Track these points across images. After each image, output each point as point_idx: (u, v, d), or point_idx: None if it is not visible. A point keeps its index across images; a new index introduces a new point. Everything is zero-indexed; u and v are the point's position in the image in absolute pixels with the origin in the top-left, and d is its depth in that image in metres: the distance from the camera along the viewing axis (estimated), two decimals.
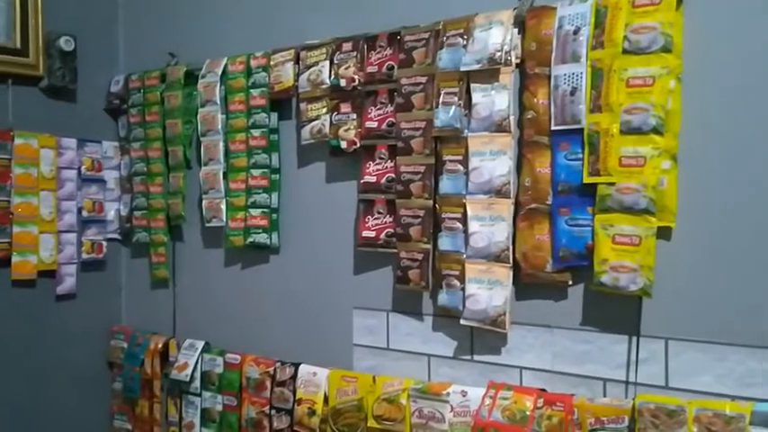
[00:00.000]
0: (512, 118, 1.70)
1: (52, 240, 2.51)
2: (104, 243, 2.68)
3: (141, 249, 2.66)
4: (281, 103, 2.21)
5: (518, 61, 1.71)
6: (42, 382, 2.51)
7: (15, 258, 2.41)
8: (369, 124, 1.94)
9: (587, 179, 1.57)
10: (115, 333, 2.69)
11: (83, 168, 2.60)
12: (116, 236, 2.73)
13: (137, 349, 2.56)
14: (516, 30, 1.70)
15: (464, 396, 1.75)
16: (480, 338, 1.79)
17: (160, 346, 2.50)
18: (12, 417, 2.42)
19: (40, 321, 2.51)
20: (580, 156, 1.59)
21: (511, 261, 1.69)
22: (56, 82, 2.49)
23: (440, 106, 1.78)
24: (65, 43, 2.46)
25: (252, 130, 2.24)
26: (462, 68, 1.74)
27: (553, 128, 1.62)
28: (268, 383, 2.16)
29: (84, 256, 2.62)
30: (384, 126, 1.91)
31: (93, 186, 2.64)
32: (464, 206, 1.75)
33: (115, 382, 2.69)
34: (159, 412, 2.52)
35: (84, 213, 2.61)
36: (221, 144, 2.32)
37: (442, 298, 1.81)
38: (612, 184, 1.53)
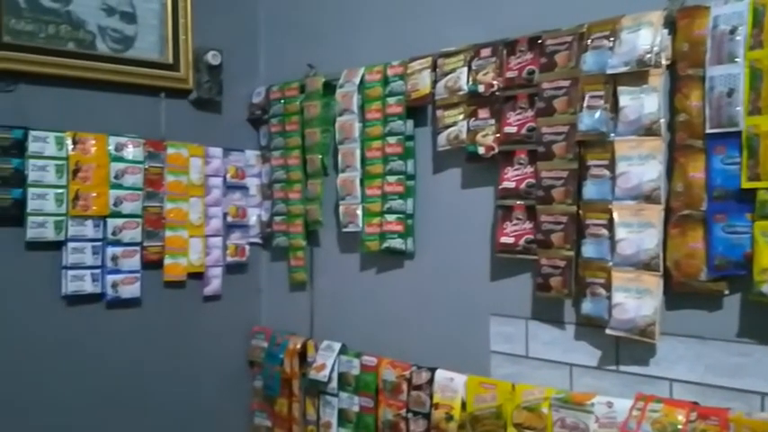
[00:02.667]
0: (662, 121, 1.63)
1: (200, 244, 2.66)
2: (247, 247, 2.82)
3: (280, 253, 2.77)
4: (417, 110, 2.24)
5: (668, 63, 1.64)
6: (188, 377, 2.66)
7: (167, 261, 2.58)
8: (508, 129, 1.92)
9: (746, 184, 1.49)
10: (256, 333, 2.82)
11: (227, 176, 2.75)
12: (257, 240, 2.86)
13: (276, 349, 2.67)
14: (666, 30, 1.64)
15: (610, 407, 1.70)
16: (626, 348, 1.73)
17: (298, 346, 2.59)
18: (158, 409, 2.58)
19: (188, 320, 2.67)
20: (737, 160, 1.51)
21: (661, 269, 1.63)
22: (203, 94, 2.64)
23: (584, 110, 1.74)
24: (212, 58, 2.61)
25: (388, 138, 2.28)
26: (609, 71, 1.70)
27: (708, 131, 1.55)
28: (404, 387, 2.19)
29: (229, 259, 2.76)
30: (524, 131, 1.89)
31: (236, 193, 2.78)
32: (610, 212, 1.71)
33: (255, 381, 2.82)
34: (298, 411, 2.60)
35: (229, 219, 2.75)
36: (358, 151, 2.38)
37: (586, 306, 1.77)
38: None
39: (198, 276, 2.68)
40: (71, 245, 2.35)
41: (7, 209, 2.24)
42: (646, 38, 1.63)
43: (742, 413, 1.51)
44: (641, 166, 1.65)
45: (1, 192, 2.23)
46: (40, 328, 2.31)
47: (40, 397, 2.30)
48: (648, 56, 1.62)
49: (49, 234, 2.31)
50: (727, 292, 1.56)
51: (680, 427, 1.55)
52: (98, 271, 2.41)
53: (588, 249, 1.75)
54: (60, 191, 2.33)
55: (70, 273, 2.35)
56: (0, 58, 2.21)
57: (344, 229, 2.44)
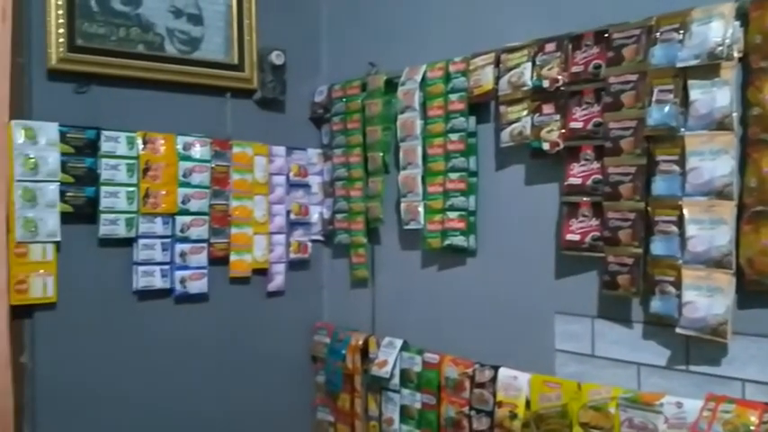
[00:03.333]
0: (734, 115, 1.59)
1: (264, 241, 2.71)
2: (309, 244, 2.86)
3: (342, 250, 2.80)
4: (480, 106, 2.23)
5: (740, 55, 1.60)
6: (253, 371, 2.72)
7: (233, 257, 2.63)
8: (573, 125, 1.90)
9: None
10: (318, 329, 2.85)
11: (290, 174, 2.79)
12: (319, 237, 2.90)
13: (339, 345, 2.70)
14: (738, 23, 1.59)
15: (679, 407, 1.66)
16: (697, 348, 1.69)
17: (360, 342, 2.62)
18: (223, 401, 2.64)
19: (253, 316, 2.72)
20: None
21: (734, 267, 1.58)
22: (267, 94, 2.69)
23: (653, 104, 1.70)
24: (276, 57, 2.66)
25: (450, 135, 2.27)
26: (679, 65, 1.66)
27: None
28: (467, 384, 2.19)
29: (292, 255, 2.81)
30: (590, 126, 1.86)
31: (299, 191, 2.83)
32: (680, 208, 1.67)
33: (318, 376, 2.85)
34: (360, 406, 2.62)
35: (292, 216, 2.80)
36: (419, 149, 2.39)
37: (655, 305, 1.73)
38: None
39: (262, 272, 2.73)
40: (142, 241, 2.42)
41: (81, 206, 2.32)
42: (717, 30, 1.59)
43: None
44: (713, 161, 1.61)
45: (75, 190, 2.31)
46: (113, 321, 2.39)
47: (113, 388, 2.38)
48: (720, 48, 1.58)
49: (121, 231, 2.38)
50: None
51: (752, 428, 1.51)
52: (167, 267, 2.48)
53: (657, 247, 1.72)
54: (131, 189, 2.40)
55: (141, 268, 2.43)
56: (74, 60, 2.30)
57: (406, 227, 2.45)
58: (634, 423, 1.73)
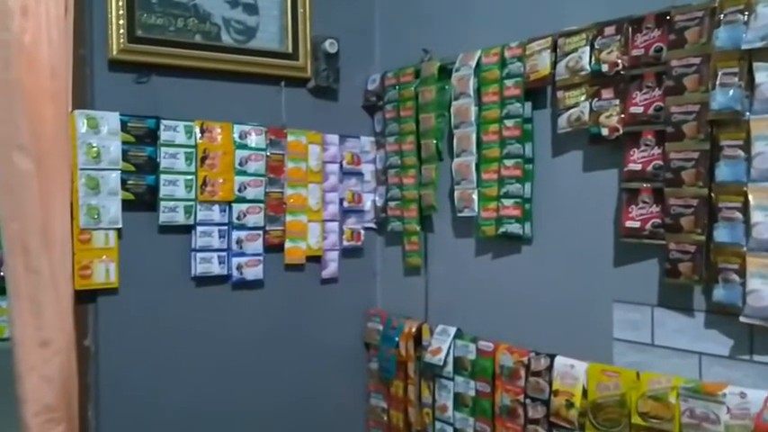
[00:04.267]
0: None
1: (318, 228, 2.74)
2: (362, 231, 2.88)
3: (395, 238, 2.81)
4: (536, 92, 2.20)
5: None
6: (307, 357, 2.75)
7: (288, 245, 2.67)
8: (633, 110, 1.86)
9: None
10: (371, 316, 2.87)
11: (344, 162, 2.81)
12: (372, 225, 2.92)
13: (392, 332, 2.71)
14: None
15: (743, 398, 1.62)
16: (762, 337, 1.65)
17: (414, 330, 2.62)
18: (278, 387, 2.68)
19: (307, 302, 2.76)
20: None
21: None
22: (321, 82, 2.71)
23: (717, 88, 1.66)
24: (329, 46, 2.67)
25: (505, 121, 2.25)
26: (744, 47, 1.61)
27: None
28: (522, 372, 2.17)
29: (345, 243, 2.83)
30: (651, 111, 1.82)
31: (352, 179, 2.84)
32: (745, 195, 1.62)
33: (371, 363, 2.87)
34: (413, 393, 2.63)
35: (345, 204, 2.82)
36: (474, 135, 2.37)
37: (718, 293, 1.69)
38: None
39: (316, 260, 2.76)
40: (200, 228, 2.47)
41: (142, 194, 2.38)
42: None
43: None
44: None
45: (136, 178, 2.37)
46: (172, 306, 2.45)
47: (172, 371, 2.44)
48: None
49: (180, 218, 2.43)
50: None
51: None
52: (224, 254, 2.52)
53: (721, 234, 1.68)
54: (190, 177, 2.45)
55: (199, 255, 2.48)
56: (134, 51, 2.35)
57: (460, 214, 2.44)
58: (695, 413, 1.70)
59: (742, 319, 1.64)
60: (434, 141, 2.54)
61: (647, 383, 1.82)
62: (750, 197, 1.62)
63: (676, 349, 1.84)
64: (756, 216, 1.60)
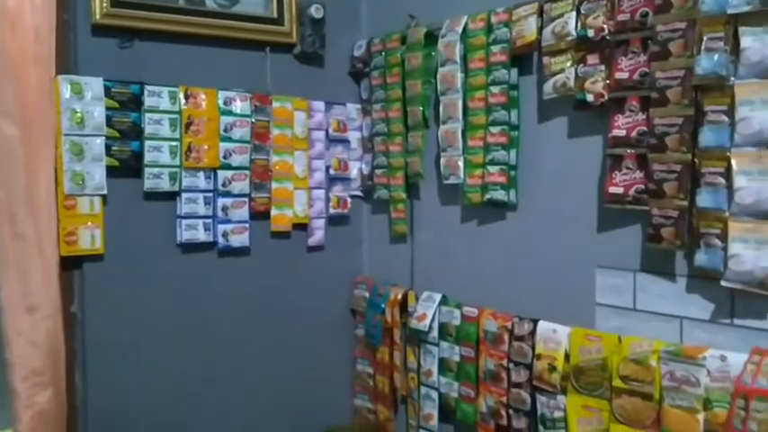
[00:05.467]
0: None
1: (305, 196, 2.74)
2: (348, 199, 2.88)
3: (381, 205, 2.81)
4: (522, 58, 2.19)
5: None
6: (294, 324, 2.77)
7: (274, 212, 2.67)
8: (619, 75, 1.86)
9: None
10: (358, 283, 2.88)
11: (330, 129, 2.80)
12: (358, 193, 2.92)
13: (378, 299, 2.72)
14: None
15: (723, 361, 1.65)
16: (743, 302, 1.67)
17: (399, 296, 2.64)
18: (265, 353, 2.70)
19: (294, 270, 2.76)
20: None
21: None
22: (307, 48, 2.68)
23: (702, 53, 1.65)
24: (315, 11, 2.64)
25: (491, 87, 2.25)
26: (729, 11, 1.60)
27: None
28: (506, 337, 2.19)
29: (332, 211, 2.83)
30: (636, 77, 1.82)
31: (339, 146, 2.83)
32: (728, 160, 1.63)
33: (357, 329, 2.89)
34: (399, 359, 2.66)
35: (332, 171, 2.82)
36: (460, 102, 2.36)
37: (700, 258, 1.70)
38: None
39: (302, 227, 2.76)
40: (185, 195, 2.47)
41: (127, 160, 2.36)
42: None
43: None
44: (764, 111, 1.56)
45: (120, 144, 2.35)
46: (158, 273, 2.45)
47: (158, 337, 2.45)
48: None
49: (165, 185, 2.42)
50: None
51: None
52: (210, 221, 2.52)
53: (703, 199, 1.69)
54: (174, 143, 2.44)
55: (184, 222, 2.47)
56: (118, 15, 2.32)
57: (446, 182, 2.44)
58: (676, 376, 1.72)
59: (723, 283, 1.65)
60: (421, 108, 2.53)
61: (628, 347, 1.84)
62: (733, 162, 1.62)
63: (658, 313, 1.86)
64: (739, 181, 1.61)
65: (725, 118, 1.64)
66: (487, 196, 2.28)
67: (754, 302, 1.64)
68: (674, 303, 1.82)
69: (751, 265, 1.59)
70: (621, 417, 1.84)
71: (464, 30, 2.32)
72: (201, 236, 2.50)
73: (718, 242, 1.66)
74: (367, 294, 2.81)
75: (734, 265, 1.62)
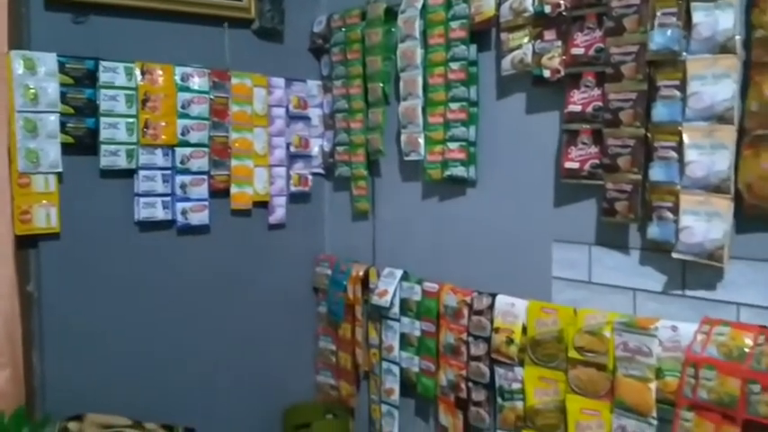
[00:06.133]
0: (737, 38, 1.56)
1: (265, 174, 2.72)
2: (310, 177, 2.87)
3: (343, 183, 2.81)
4: (481, 34, 2.20)
5: None
6: (256, 302, 2.77)
7: (234, 190, 2.65)
8: (575, 51, 1.87)
9: None
10: (320, 261, 2.89)
11: (290, 106, 2.78)
12: (320, 170, 2.91)
13: (340, 276, 2.73)
14: None
15: (674, 331, 1.69)
16: (693, 273, 1.71)
17: (361, 273, 2.65)
18: (227, 332, 2.70)
19: (255, 248, 2.75)
20: None
21: (732, 192, 1.58)
22: (266, 24, 2.66)
23: (656, 28, 1.67)
24: None
25: (451, 64, 2.25)
26: None
27: None
28: (465, 312, 2.22)
29: (293, 188, 2.82)
30: (591, 52, 1.84)
31: (299, 123, 2.82)
32: (680, 134, 1.66)
33: (320, 306, 2.90)
34: (361, 335, 2.68)
35: (292, 149, 2.80)
36: (420, 79, 2.36)
37: (653, 231, 1.74)
38: None
39: (263, 205, 2.75)
40: (142, 173, 2.43)
41: (82, 138, 2.32)
42: None
43: None
44: (714, 85, 1.59)
45: (76, 121, 2.31)
46: (116, 252, 2.42)
47: (117, 316, 2.43)
48: None
49: (122, 162, 2.39)
50: None
51: (747, 350, 1.54)
52: (168, 198, 2.49)
53: (656, 173, 1.72)
54: (131, 120, 2.40)
55: (142, 200, 2.44)
56: None
57: (406, 158, 2.45)
58: (629, 347, 1.76)
59: (674, 255, 1.69)
60: (381, 85, 2.53)
61: (583, 319, 1.87)
62: (685, 136, 1.65)
63: (612, 286, 1.89)
64: (690, 155, 1.64)
65: (677, 93, 1.67)
66: (447, 173, 2.29)
67: (705, 274, 1.68)
68: (628, 276, 1.85)
69: (701, 237, 1.63)
70: (577, 387, 1.88)
71: (424, 5, 2.32)
72: (160, 214, 2.47)
73: (670, 215, 1.70)
74: (329, 272, 2.82)
75: (684, 237, 1.66)
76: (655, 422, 1.71)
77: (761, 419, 1.51)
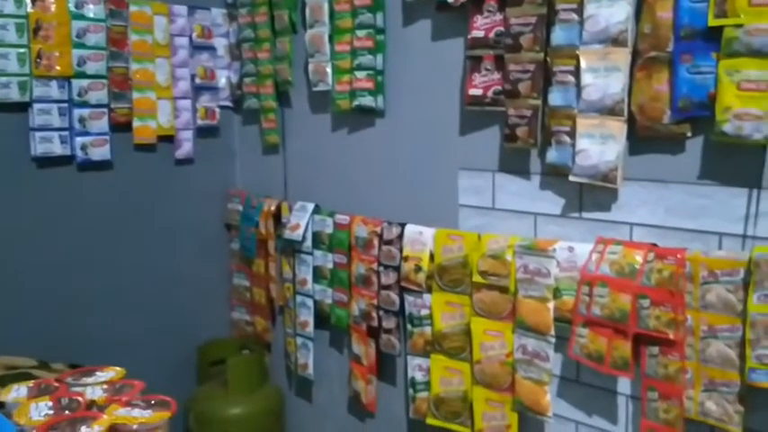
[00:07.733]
0: None
1: (169, 106, 2.62)
2: (217, 110, 2.79)
3: (252, 116, 2.74)
4: None
5: None
6: (166, 240, 2.71)
7: (136, 123, 2.55)
8: None
9: (713, 22, 1.45)
10: (231, 196, 2.84)
11: (194, 36, 2.67)
12: (228, 103, 2.83)
13: (252, 212, 2.69)
14: None
15: (571, 252, 1.74)
16: (590, 195, 1.76)
17: (273, 208, 2.62)
18: (136, 272, 2.62)
19: (162, 184, 2.68)
20: None
21: (626, 114, 1.62)
22: None
23: None
24: None
25: None
26: None
27: None
28: (376, 242, 2.23)
29: (200, 122, 2.73)
30: None
31: (204, 54, 2.72)
32: (577, 58, 1.68)
33: (233, 243, 2.86)
34: (274, 270, 2.66)
35: (198, 80, 2.71)
36: (326, 5, 2.30)
37: (551, 155, 1.77)
38: (741, 25, 1.41)
39: (169, 140, 2.66)
40: (37, 106, 2.31)
41: None
42: None
43: (699, 252, 1.55)
44: (610, 7, 1.61)
45: None
46: (12, 189, 2.30)
47: (16, 258, 2.33)
48: None
49: (14, 95, 2.26)
50: (689, 134, 1.56)
51: (637, 267, 1.60)
52: (66, 133, 2.38)
53: (555, 97, 1.74)
54: (22, 50, 2.27)
55: (38, 134, 2.32)
56: None
57: (315, 89, 2.41)
58: (529, 269, 1.81)
59: (571, 178, 1.73)
60: (287, 12, 2.45)
61: (486, 244, 1.91)
62: (581, 60, 1.67)
63: (515, 211, 1.93)
64: (586, 78, 1.67)
65: (575, 16, 1.68)
66: (356, 102, 2.26)
67: (600, 195, 1.73)
68: (529, 200, 1.89)
69: (596, 160, 1.67)
70: (481, 310, 1.93)
71: None
72: (58, 149, 2.36)
73: (567, 139, 1.73)
74: (240, 207, 2.77)
75: (580, 159, 1.69)
76: (553, 340, 1.78)
77: (650, 332, 1.59)
